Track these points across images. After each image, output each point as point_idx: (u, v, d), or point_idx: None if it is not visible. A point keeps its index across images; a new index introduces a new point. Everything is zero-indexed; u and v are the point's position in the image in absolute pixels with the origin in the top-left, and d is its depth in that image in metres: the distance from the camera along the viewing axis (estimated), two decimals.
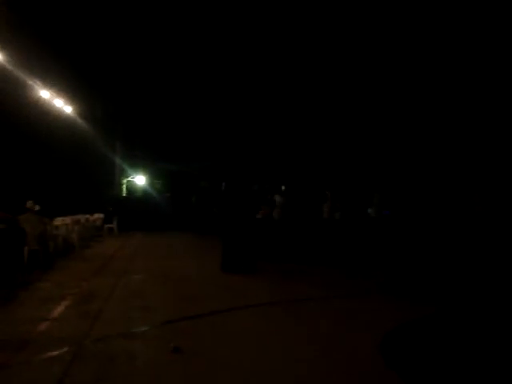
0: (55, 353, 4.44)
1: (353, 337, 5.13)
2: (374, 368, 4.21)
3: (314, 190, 13.06)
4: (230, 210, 9.86)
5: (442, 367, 4.25)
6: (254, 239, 9.87)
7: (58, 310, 6.16)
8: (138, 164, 27.04)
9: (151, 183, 28.01)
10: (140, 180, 27.85)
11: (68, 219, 13.08)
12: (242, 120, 23.12)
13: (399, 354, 4.64)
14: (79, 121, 19.26)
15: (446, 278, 8.62)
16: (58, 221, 12.25)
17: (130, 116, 24.73)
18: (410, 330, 5.44)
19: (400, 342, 5.02)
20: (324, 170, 21.70)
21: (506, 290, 7.44)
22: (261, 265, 10.34)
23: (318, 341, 4.99)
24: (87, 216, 16.33)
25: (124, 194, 26.56)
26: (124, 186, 27.10)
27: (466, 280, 8.31)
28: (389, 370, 4.14)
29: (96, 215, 17.89)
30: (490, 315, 5.99)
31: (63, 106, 17.29)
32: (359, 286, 8.30)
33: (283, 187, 14.18)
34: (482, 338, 5.12)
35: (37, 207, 9.62)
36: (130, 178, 27.55)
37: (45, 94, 15.75)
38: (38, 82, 15.03)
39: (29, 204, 9.56)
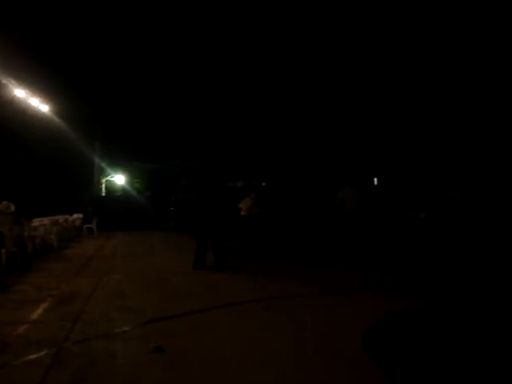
0: (34, 356, 4.37)
1: (338, 333, 5.14)
2: (359, 364, 4.23)
3: (301, 187, 13.09)
4: (200, 209, 9.81)
5: (416, 360, 4.31)
6: (223, 237, 9.83)
7: (38, 312, 6.08)
8: (117, 163, 26.79)
9: (131, 182, 27.81)
10: (119, 179, 27.62)
11: (46, 220, 12.92)
12: (221, 119, 23.11)
13: (380, 348, 4.68)
14: (57, 120, 18.97)
15: (436, 272, 8.70)
16: (36, 222, 12.09)
17: (110, 115, 24.47)
18: (390, 324, 5.48)
19: (380, 336, 5.06)
20: (312, 167, 21.86)
21: (493, 284, 7.55)
22: (245, 262, 10.36)
23: (302, 338, 4.98)
24: (66, 216, 16.15)
25: (103, 194, 26.29)
26: (103, 186, 26.83)
27: (455, 274, 8.42)
28: (375, 368, 4.14)
29: (75, 215, 17.69)
30: (479, 311, 6.04)
31: (39, 105, 17.02)
32: (347, 282, 8.24)
33: (264, 184, 14.21)
34: (467, 333, 5.19)
35: (12, 208, 9.45)
36: (109, 178, 27.29)
37: (20, 92, 15.47)
38: (12, 81, 14.75)
39: (4, 205, 9.39)
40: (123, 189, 27.28)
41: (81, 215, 18.24)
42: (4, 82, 14.40)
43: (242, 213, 12.28)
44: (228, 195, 12.41)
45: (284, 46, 19.29)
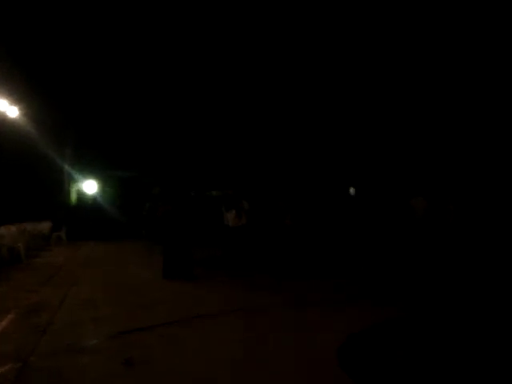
0: None
1: (312, 344, 5.12)
2: (335, 376, 4.22)
3: (277, 197, 13.03)
4: (169, 219, 9.87)
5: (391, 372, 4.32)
6: (191, 247, 9.83)
7: (3, 324, 5.88)
8: (88, 171, 26.36)
9: (102, 190, 27.39)
10: (90, 187, 27.17)
11: (13, 228, 12.56)
12: (194, 127, 23.04)
13: (354, 362, 4.67)
14: (25, 125, 18.54)
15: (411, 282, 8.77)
16: (3, 229, 11.75)
17: (81, 122, 24.12)
18: (366, 337, 5.49)
19: (355, 349, 5.05)
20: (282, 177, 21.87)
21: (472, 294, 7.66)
22: (218, 273, 10.30)
23: (274, 350, 4.94)
24: (34, 224, 15.76)
25: (73, 202, 25.82)
26: (74, 193, 26.35)
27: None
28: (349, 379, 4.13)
29: (44, 223, 17.27)
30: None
31: (7, 108, 16.59)
32: (319, 293, 8.26)
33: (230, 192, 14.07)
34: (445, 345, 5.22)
35: None
36: (79, 185, 26.83)
37: None
38: None
39: None
40: (94, 197, 26.85)
41: (50, 223, 17.83)
42: None
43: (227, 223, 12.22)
44: (193, 204, 12.27)
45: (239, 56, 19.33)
